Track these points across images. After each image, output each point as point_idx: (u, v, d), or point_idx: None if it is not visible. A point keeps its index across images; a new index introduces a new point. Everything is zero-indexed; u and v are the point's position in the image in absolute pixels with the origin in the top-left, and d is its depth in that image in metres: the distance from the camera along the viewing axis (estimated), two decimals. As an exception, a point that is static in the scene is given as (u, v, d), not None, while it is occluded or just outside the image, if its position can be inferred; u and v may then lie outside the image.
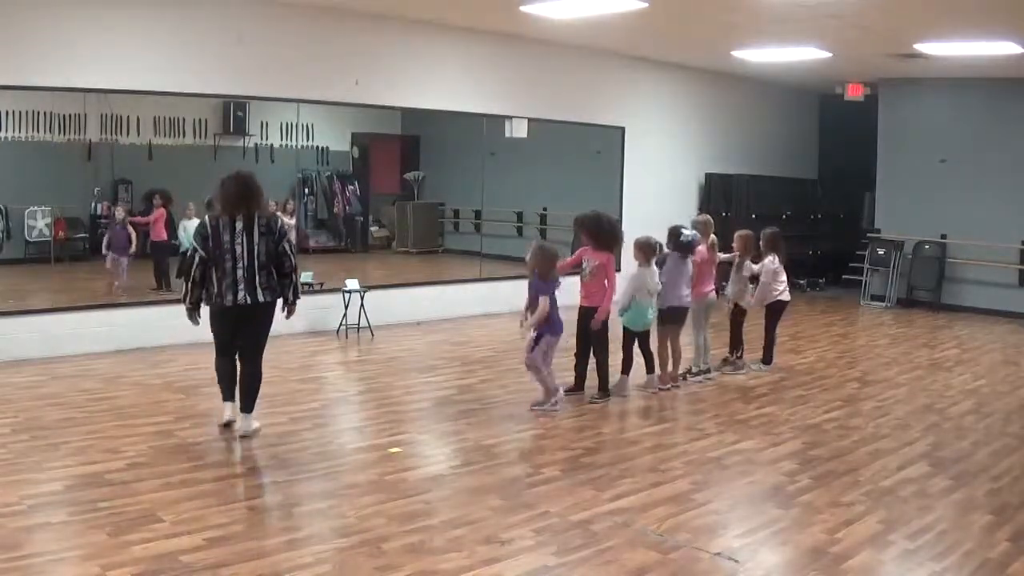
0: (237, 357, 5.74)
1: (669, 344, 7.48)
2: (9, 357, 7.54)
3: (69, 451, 5.29)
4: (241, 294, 5.52)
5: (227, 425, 5.76)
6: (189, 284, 5.63)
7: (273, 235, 5.62)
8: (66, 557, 3.86)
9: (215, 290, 5.57)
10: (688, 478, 5.21)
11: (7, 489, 4.60)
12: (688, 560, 4.07)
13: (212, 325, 5.76)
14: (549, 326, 6.51)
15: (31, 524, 4.19)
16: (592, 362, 7.03)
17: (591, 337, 6.93)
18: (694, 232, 7.54)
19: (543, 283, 6.48)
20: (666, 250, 7.39)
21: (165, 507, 4.43)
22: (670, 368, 7.50)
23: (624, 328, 7.19)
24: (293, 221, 10.43)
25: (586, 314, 6.89)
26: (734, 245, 8.28)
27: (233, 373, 5.74)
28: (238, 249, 5.51)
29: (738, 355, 8.21)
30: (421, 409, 6.71)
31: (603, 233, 6.89)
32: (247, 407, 5.71)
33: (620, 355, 7.19)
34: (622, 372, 7.20)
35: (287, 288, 5.71)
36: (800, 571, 4.02)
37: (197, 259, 5.57)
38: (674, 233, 7.43)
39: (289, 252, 5.68)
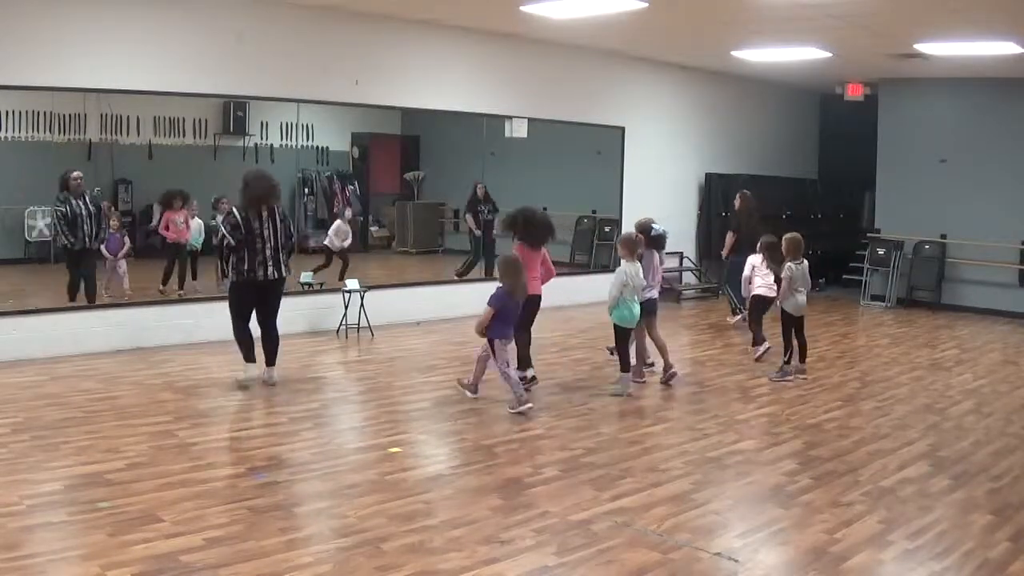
0: (258, 323, 7.06)
1: (647, 336, 7.60)
2: (9, 357, 7.53)
3: (69, 451, 5.29)
4: (270, 270, 6.86)
5: (246, 386, 6.92)
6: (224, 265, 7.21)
7: (285, 222, 7.00)
8: (66, 557, 3.86)
9: (246, 267, 6.79)
10: (688, 478, 5.21)
11: (7, 489, 4.60)
12: (688, 560, 4.07)
13: (239, 297, 6.98)
14: (496, 331, 6.55)
15: (31, 524, 4.19)
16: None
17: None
18: (664, 228, 7.84)
19: (499, 293, 6.58)
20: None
21: (165, 507, 4.43)
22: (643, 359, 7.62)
23: (615, 326, 7.19)
24: None
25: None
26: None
27: (252, 337, 7.02)
28: (266, 234, 6.79)
29: (786, 360, 7.95)
30: (421, 409, 6.71)
31: (517, 227, 7.21)
32: (272, 362, 7.09)
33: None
34: (622, 370, 7.22)
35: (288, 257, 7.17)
36: (800, 571, 4.02)
37: (229, 244, 6.78)
38: (645, 228, 7.66)
39: (291, 233, 7.23)
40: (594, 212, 13.41)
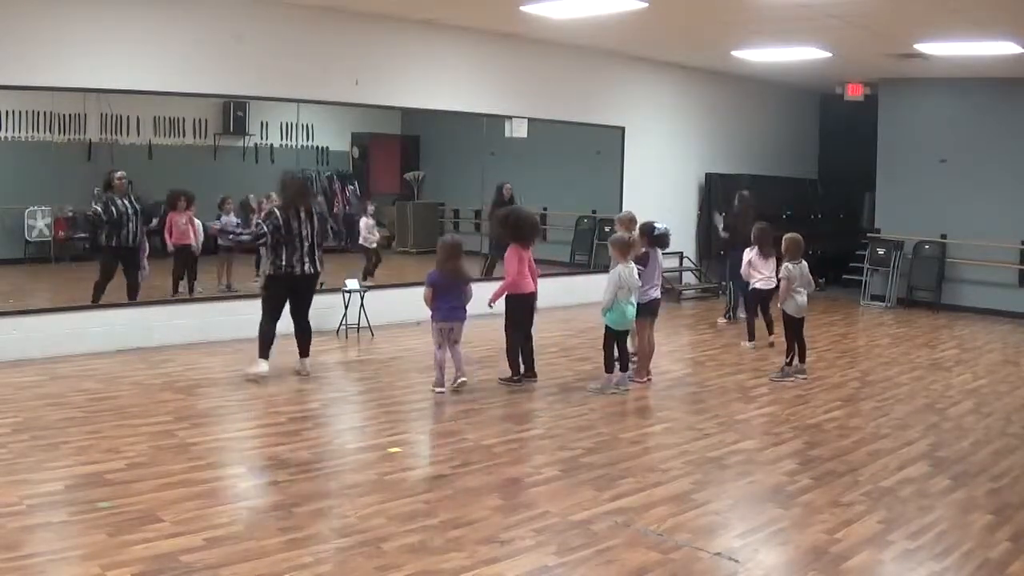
0: (291, 317, 7.35)
1: (645, 337, 7.59)
2: (9, 357, 7.53)
3: (69, 451, 5.29)
4: (307, 266, 7.21)
5: (258, 379, 7.11)
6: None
7: (322, 221, 7.45)
8: (66, 557, 3.86)
9: (283, 262, 7.10)
10: (688, 478, 5.21)
11: (7, 489, 4.60)
12: (688, 560, 4.07)
13: (275, 291, 7.25)
14: (440, 311, 6.98)
15: (31, 524, 4.19)
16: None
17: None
18: (666, 226, 7.85)
19: (432, 272, 7.03)
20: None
21: (165, 507, 4.43)
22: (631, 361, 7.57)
23: (607, 327, 7.22)
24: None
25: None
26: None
27: (274, 337, 7.25)
28: (304, 232, 7.15)
29: (787, 361, 8.00)
30: (421, 409, 6.71)
31: (508, 228, 7.51)
32: (306, 353, 7.47)
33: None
34: (606, 371, 7.25)
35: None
36: (800, 571, 4.02)
37: (269, 240, 7.09)
38: (648, 228, 7.71)
39: (327, 232, 7.66)
40: (594, 212, 13.42)
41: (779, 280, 8.14)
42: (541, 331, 7.97)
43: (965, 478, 5.35)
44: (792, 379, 7.83)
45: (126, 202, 8.68)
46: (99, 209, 8.61)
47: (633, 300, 7.16)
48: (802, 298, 7.82)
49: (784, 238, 7.98)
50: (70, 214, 9.66)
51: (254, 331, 7.68)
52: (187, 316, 8.71)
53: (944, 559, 4.14)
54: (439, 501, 4.71)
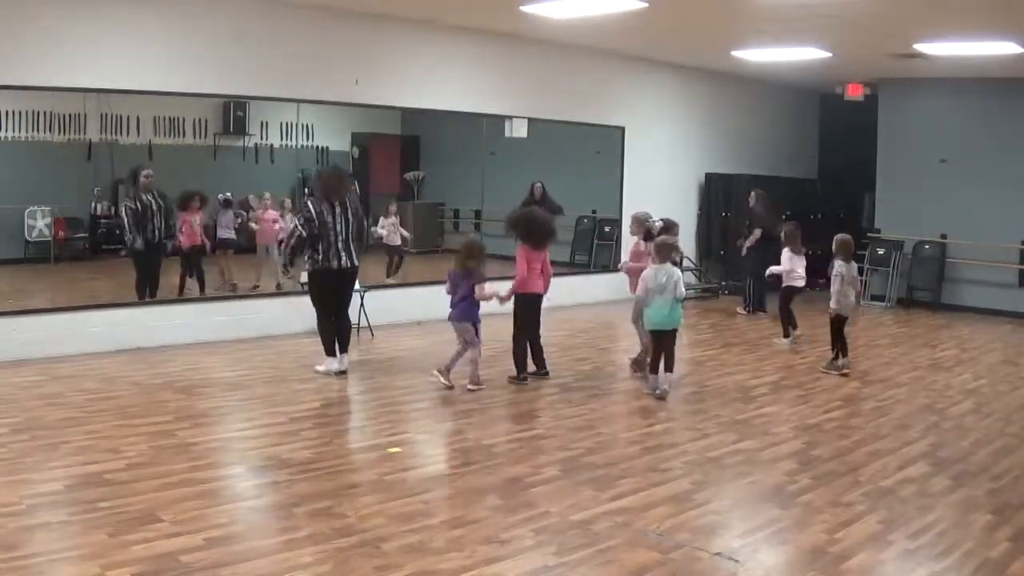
0: (332, 313, 7.37)
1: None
2: (9, 357, 7.53)
3: (69, 451, 5.29)
4: (343, 260, 7.26)
5: (340, 373, 7.28)
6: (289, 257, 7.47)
7: (357, 216, 7.38)
8: (66, 557, 3.86)
9: (320, 256, 7.13)
10: (688, 478, 5.21)
11: (7, 489, 4.60)
12: (688, 560, 4.07)
13: (319, 287, 7.32)
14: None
15: (31, 524, 4.19)
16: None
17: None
18: (659, 221, 8.15)
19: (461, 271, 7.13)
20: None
21: (165, 507, 4.42)
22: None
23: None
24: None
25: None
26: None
27: (334, 332, 7.34)
28: (338, 227, 7.17)
29: (834, 356, 8.28)
30: (421, 409, 6.71)
31: (518, 230, 7.52)
32: (345, 348, 7.45)
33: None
34: (650, 371, 7.23)
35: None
36: (800, 571, 4.02)
37: (301, 235, 7.13)
38: (668, 225, 8.09)
39: (363, 226, 7.65)
40: (594, 212, 13.42)
41: (830, 278, 8.34)
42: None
43: (965, 478, 5.35)
44: (839, 371, 8.05)
45: (150, 198, 8.86)
46: (134, 207, 8.80)
47: (662, 301, 7.01)
48: (852, 297, 8.13)
49: (835, 239, 8.24)
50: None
51: (255, 330, 7.73)
52: (187, 316, 8.71)
53: (944, 559, 4.15)
54: (439, 501, 4.72)
